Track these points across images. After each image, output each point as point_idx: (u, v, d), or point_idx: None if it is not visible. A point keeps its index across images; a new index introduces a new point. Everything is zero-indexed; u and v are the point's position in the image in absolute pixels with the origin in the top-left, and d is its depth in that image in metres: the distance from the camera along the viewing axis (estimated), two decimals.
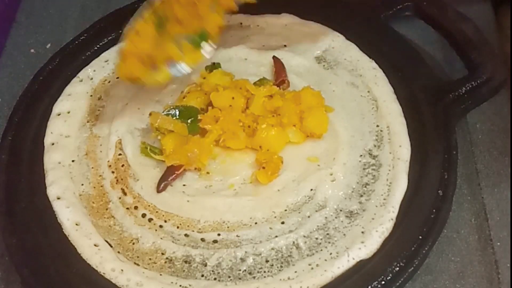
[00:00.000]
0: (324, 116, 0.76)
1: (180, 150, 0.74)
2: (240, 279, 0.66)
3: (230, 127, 0.74)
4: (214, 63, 0.82)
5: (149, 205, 0.72)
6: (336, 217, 0.70)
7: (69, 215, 0.71)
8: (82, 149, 0.78)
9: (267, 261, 0.67)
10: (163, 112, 0.77)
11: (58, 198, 0.72)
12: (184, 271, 0.67)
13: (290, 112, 0.75)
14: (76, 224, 0.70)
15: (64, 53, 0.86)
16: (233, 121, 0.74)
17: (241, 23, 0.90)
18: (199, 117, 0.75)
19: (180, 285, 0.66)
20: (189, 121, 0.76)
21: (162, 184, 0.73)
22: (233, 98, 0.75)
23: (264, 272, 0.67)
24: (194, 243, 0.69)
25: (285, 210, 0.71)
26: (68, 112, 0.81)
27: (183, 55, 0.74)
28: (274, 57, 0.83)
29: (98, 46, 0.88)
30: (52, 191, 0.73)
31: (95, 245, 0.69)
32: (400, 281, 0.64)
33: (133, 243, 0.69)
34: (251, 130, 0.75)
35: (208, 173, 0.74)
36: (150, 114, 0.76)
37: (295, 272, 0.66)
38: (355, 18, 0.86)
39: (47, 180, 0.74)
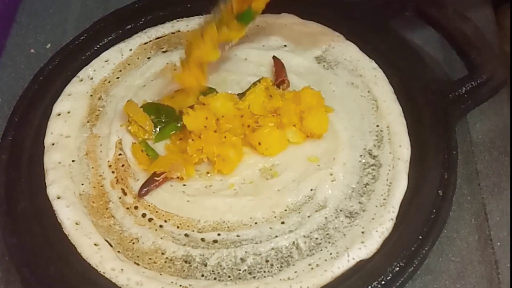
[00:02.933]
0: (324, 116, 0.76)
1: (164, 158, 0.74)
2: (240, 279, 0.66)
3: (217, 152, 0.73)
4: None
5: (149, 205, 0.72)
6: (336, 217, 0.70)
7: (69, 215, 0.71)
8: (82, 149, 0.78)
9: (267, 261, 0.67)
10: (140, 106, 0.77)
11: (58, 198, 0.72)
12: (184, 271, 0.67)
13: (290, 112, 0.75)
14: (76, 224, 0.70)
15: (64, 53, 0.86)
16: (217, 143, 0.73)
17: None
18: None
19: (180, 285, 0.66)
20: (163, 120, 0.77)
21: (144, 189, 0.72)
22: (206, 118, 0.74)
23: (264, 272, 0.67)
24: (194, 243, 0.69)
25: (285, 210, 0.71)
26: (68, 112, 0.81)
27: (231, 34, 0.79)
28: (274, 57, 0.83)
29: (98, 46, 0.88)
30: (52, 191, 0.73)
31: (95, 244, 0.69)
32: (400, 281, 0.64)
33: (133, 243, 0.69)
34: (251, 129, 0.74)
35: (208, 173, 0.74)
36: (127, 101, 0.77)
37: (295, 272, 0.66)
38: (355, 18, 0.86)
39: (47, 180, 0.74)
